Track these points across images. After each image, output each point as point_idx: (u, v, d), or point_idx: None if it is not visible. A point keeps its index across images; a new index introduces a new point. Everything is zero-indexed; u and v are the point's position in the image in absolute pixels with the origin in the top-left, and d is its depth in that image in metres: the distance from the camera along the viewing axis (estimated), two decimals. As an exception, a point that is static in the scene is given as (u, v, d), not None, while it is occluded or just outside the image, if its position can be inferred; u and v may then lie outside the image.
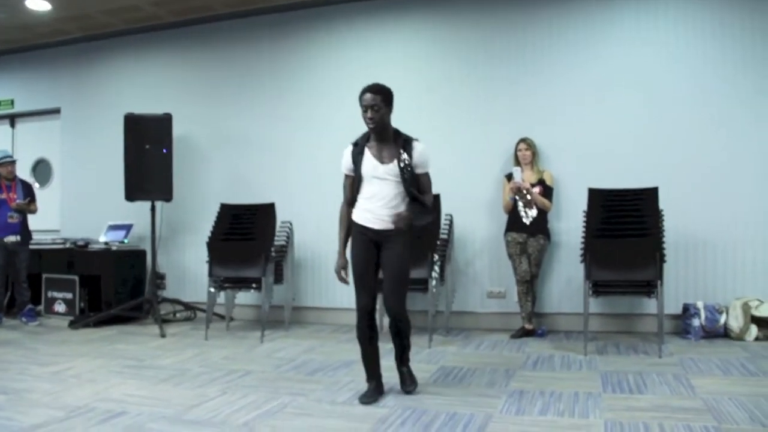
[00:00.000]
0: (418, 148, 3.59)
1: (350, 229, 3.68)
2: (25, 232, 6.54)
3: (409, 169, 3.54)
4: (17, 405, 3.58)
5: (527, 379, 4.01)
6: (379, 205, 3.57)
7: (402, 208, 3.57)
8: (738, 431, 2.95)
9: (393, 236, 3.55)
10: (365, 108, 3.51)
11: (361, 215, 3.62)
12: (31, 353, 5.03)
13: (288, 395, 3.73)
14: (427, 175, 3.66)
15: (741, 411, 3.25)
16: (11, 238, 6.40)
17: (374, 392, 3.64)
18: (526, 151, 5.49)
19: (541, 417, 3.25)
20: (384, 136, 3.59)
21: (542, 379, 4.01)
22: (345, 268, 3.69)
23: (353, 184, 3.65)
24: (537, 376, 4.11)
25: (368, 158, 3.58)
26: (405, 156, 3.54)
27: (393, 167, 3.54)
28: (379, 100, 3.50)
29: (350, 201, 3.69)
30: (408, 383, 3.75)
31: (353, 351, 4.95)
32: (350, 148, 3.67)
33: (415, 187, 3.59)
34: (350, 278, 3.68)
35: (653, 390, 3.69)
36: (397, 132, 3.64)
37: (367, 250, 3.61)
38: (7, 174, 6.49)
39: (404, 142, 3.59)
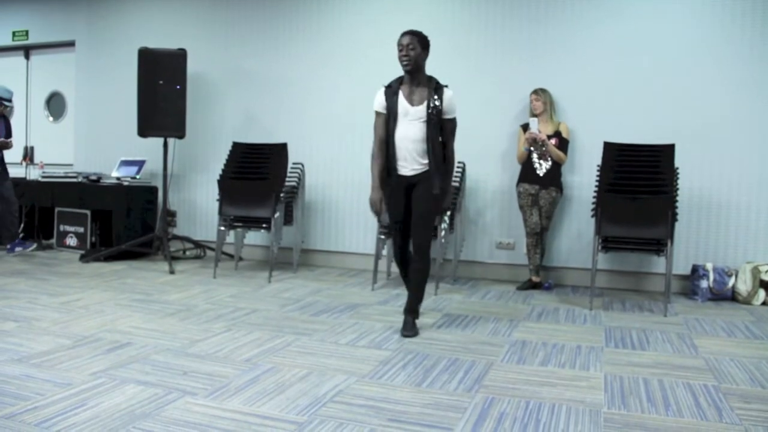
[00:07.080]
0: (447, 94, 3.76)
1: (385, 167, 3.84)
2: (2, 167, 6.44)
3: (436, 112, 3.70)
4: (27, 332, 3.65)
5: (531, 330, 4.03)
6: (410, 148, 3.74)
7: (427, 157, 3.75)
8: (737, 391, 2.96)
9: (423, 179, 3.77)
10: (401, 48, 3.68)
11: (392, 162, 3.81)
12: (41, 284, 5.11)
13: (292, 334, 3.78)
14: (453, 120, 3.84)
15: (742, 372, 3.25)
16: None
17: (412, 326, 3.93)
18: (536, 102, 5.38)
19: (542, 367, 3.27)
20: (418, 78, 3.75)
21: (546, 331, 4.02)
22: (381, 201, 3.83)
23: (386, 123, 3.79)
24: (541, 327, 4.13)
25: (401, 100, 3.75)
26: (436, 98, 3.70)
27: (422, 109, 3.71)
28: (415, 41, 3.67)
29: (383, 139, 3.81)
30: (408, 328, 3.85)
31: (359, 294, 5.02)
32: (383, 89, 3.82)
33: (439, 132, 3.78)
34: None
35: (655, 347, 3.70)
36: (430, 77, 3.80)
37: (399, 198, 3.85)
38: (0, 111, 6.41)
39: (436, 87, 3.75)
